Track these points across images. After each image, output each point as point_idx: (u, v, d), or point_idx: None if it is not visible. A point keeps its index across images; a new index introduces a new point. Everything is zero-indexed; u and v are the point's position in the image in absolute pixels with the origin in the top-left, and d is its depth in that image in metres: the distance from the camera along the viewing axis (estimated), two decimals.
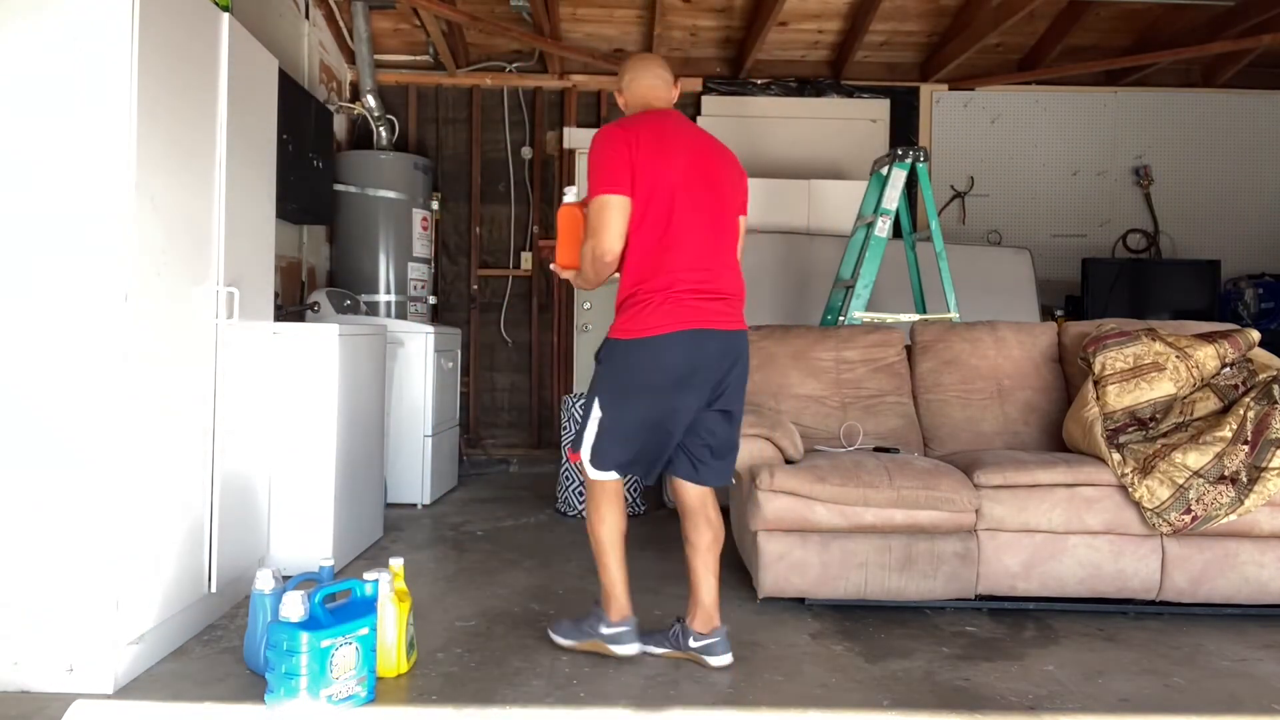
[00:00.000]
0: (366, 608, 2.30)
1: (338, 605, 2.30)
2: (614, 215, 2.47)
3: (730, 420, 2.61)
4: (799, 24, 5.58)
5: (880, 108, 6.03)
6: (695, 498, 2.63)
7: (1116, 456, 3.06)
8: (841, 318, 4.25)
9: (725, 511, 2.76)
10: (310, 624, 2.16)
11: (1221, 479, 2.94)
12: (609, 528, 2.59)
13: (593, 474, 2.58)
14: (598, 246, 2.47)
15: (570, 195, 2.69)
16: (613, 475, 2.58)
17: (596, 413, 2.55)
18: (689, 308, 2.46)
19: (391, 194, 5.26)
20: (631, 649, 2.58)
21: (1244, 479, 2.93)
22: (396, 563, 2.50)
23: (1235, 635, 2.90)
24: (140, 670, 2.41)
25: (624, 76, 2.72)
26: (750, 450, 3.16)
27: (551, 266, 2.77)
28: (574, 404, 4.46)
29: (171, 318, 2.51)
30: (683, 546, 2.64)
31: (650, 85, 2.68)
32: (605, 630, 2.58)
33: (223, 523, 2.82)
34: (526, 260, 6.01)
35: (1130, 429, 3.20)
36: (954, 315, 4.18)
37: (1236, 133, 6.04)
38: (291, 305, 4.80)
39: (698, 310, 2.47)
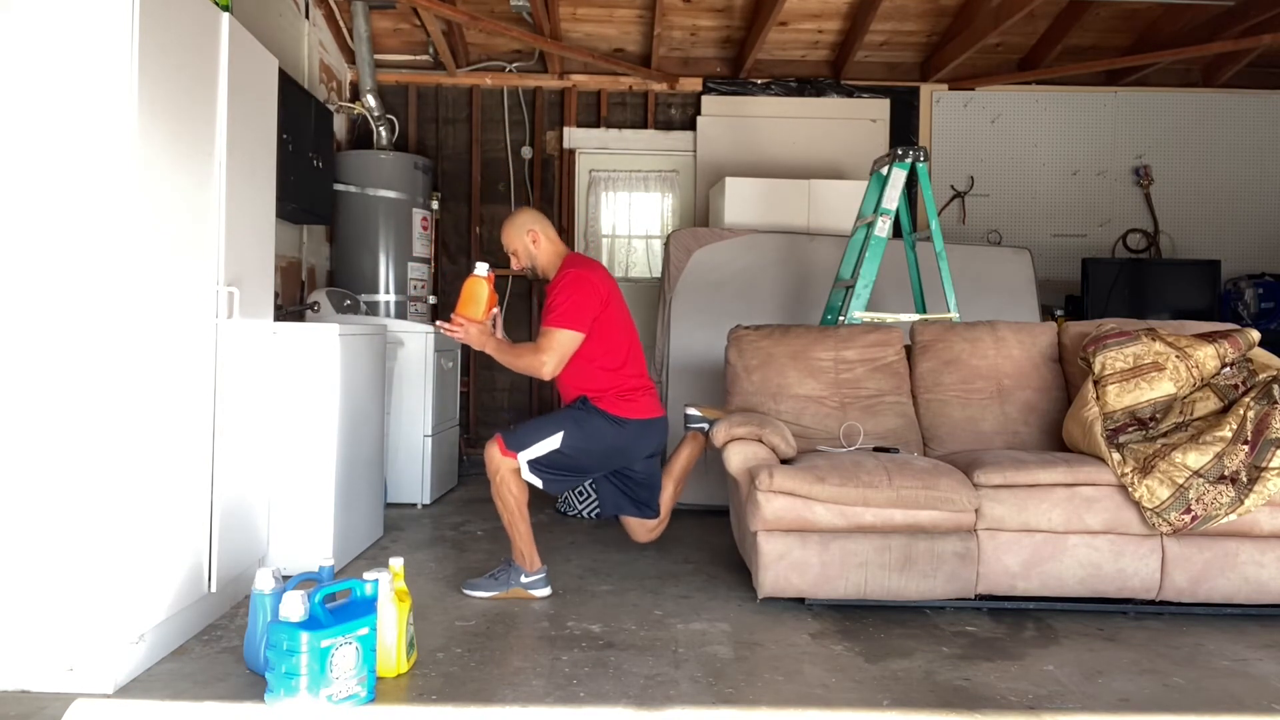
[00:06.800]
0: (366, 608, 2.30)
1: (338, 605, 2.30)
2: (570, 347, 3.10)
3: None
4: (799, 24, 5.58)
5: (880, 107, 6.02)
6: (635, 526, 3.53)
7: (1116, 456, 3.06)
8: (841, 318, 4.24)
9: (723, 511, 2.78)
10: (310, 624, 2.16)
11: (1221, 479, 2.94)
12: (516, 499, 3.11)
13: (525, 475, 3.10)
14: (546, 366, 3.07)
15: (481, 270, 3.10)
16: (536, 482, 3.11)
17: (558, 439, 3.08)
18: (646, 400, 3.25)
19: (391, 194, 5.26)
20: (546, 591, 3.15)
21: (1244, 479, 2.94)
22: (396, 563, 2.50)
23: (1235, 635, 2.90)
24: (140, 670, 2.41)
25: (533, 226, 3.27)
26: (744, 452, 3.18)
27: (443, 327, 3.12)
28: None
29: (171, 317, 2.51)
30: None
31: (555, 233, 3.35)
32: (525, 579, 3.13)
33: (223, 523, 2.82)
34: None
35: (1130, 429, 3.20)
36: (954, 315, 4.18)
37: (1236, 133, 6.04)
38: (291, 305, 4.80)
39: (650, 401, 3.27)
